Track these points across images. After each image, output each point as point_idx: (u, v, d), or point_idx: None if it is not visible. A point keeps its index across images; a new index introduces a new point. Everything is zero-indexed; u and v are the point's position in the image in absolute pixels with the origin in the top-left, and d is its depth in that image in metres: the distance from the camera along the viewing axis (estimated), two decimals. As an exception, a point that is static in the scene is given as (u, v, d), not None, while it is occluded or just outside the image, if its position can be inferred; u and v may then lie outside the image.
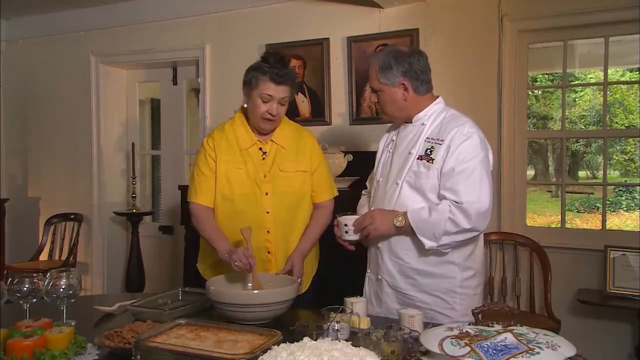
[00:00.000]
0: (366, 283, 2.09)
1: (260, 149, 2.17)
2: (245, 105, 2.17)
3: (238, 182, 2.12)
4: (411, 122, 1.99)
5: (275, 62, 2.06)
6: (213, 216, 2.16)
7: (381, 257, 1.98)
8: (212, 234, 2.10)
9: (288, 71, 2.07)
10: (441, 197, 1.85)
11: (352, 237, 1.97)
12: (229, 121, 2.24)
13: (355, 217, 1.98)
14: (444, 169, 1.84)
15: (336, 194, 2.31)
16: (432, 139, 1.90)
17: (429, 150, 1.89)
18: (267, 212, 2.12)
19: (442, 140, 1.87)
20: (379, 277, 2.00)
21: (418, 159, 1.90)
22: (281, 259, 2.14)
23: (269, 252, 2.13)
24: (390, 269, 1.95)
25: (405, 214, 1.85)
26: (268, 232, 2.12)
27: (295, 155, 2.19)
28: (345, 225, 1.97)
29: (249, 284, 1.91)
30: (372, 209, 2.00)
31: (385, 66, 1.92)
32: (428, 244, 1.82)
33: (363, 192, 2.28)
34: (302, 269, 2.12)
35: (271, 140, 2.18)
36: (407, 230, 1.86)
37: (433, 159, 1.86)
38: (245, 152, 2.15)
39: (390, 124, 2.16)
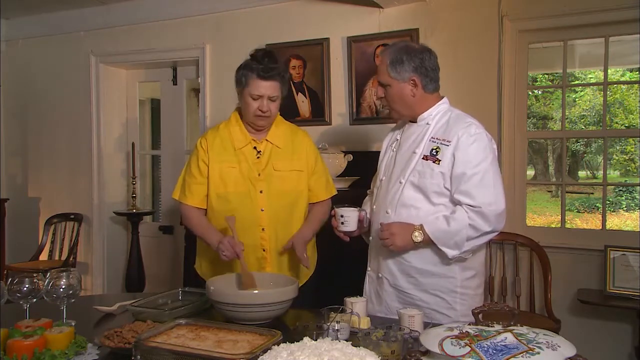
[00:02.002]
0: (366, 281, 2.09)
1: (255, 147, 2.18)
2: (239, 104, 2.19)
3: (232, 181, 2.14)
4: (416, 122, 1.99)
5: (262, 57, 2.07)
6: (203, 214, 2.20)
7: (382, 256, 1.98)
8: (203, 230, 2.14)
9: (276, 66, 2.08)
10: (456, 202, 1.84)
11: (348, 228, 1.98)
12: (225, 121, 2.26)
13: (352, 209, 1.98)
14: (454, 172, 1.83)
15: (334, 192, 2.32)
16: (437, 139, 1.89)
17: (434, 151, 1.88)
18: (262, 210, 2.12)
19: (449, 142, 1.86)
20: (380, 275, 2.00)
21: (423, 158, 1.89)
22: (276, 256, 2.16)
23: (264, 250, 2.14)
24: (391, 268, 1.95)
25: (422, 227, 1.83)
26: (263, 229, 2.13)
27: (291, 154, 2.20)
28: (342, 216, 1.97)
29: (242, 274, 1.92)
30: (387, 213, 1.95)
31: (396, 60, 1.91)
32: (451, 253, 1.82)
33: (368, 192, 2.26)
34: (305, 250, 2.10)
35: (266, 139, 2.19)
36: (427, 243, 1.84)
37: (440, 160, 1.86)
38: (240, 151, 2.16)
39: (394, 124, 2.15)
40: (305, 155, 2.23)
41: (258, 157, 2.17)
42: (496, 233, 1.85)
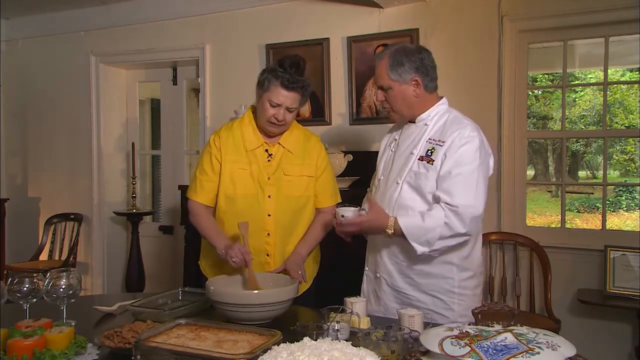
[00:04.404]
0: (364, 281, 2.09)
1: (267, 150, 2.17)
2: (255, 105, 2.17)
3: (242, 182, 2.12)
4: (414, 122, 1.99)
5: (290, 66, 2.05)
6: (211, 214, 2.17)
7: (380, 256, 1.98)
8: (210, 232, 2.11)
9: (302, 79, 2.07)
10: (436, 198, 1.84)
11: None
12: (238, 120, 2.23)
13: (352, 208, 1.97)
14: (441, 171, 1.84)
15: (339, 200, 2.30)
16: (433, 140, 1.90)
17: (429, 152, 1.89)
18: (269, 215, 2.11)
19: (443, 142, 1.86)
20: (378, 275, 2.00)
21: (419, 159, 1.90)
22: (280, 261, 2.15)
23: (267, 255, 2.13)
24: (389, 268, 1.95)
25: (396, 220, 1.82)
26: (268, 234, 2.12)
27: (302, 159, 2.18)
28: (343, 216, 1.97)
29: (246, 279, 1.92)
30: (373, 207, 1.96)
31: (396, 63, 1.91)
32: (420, 249, 1.80)
33: (368, 190, 2.26)
34: (299, 269, 2.11)
35: (278, 143, 2.18)
36: (399, 236, 1.83)
37: (433, 160, 1.86)
38: (251, 153, 2.14)
39: (392, 124, 2.15)
40: (316, 160, 2.21)
41: (269, 160, 2.15)
42: (468, 237, 1.84)
